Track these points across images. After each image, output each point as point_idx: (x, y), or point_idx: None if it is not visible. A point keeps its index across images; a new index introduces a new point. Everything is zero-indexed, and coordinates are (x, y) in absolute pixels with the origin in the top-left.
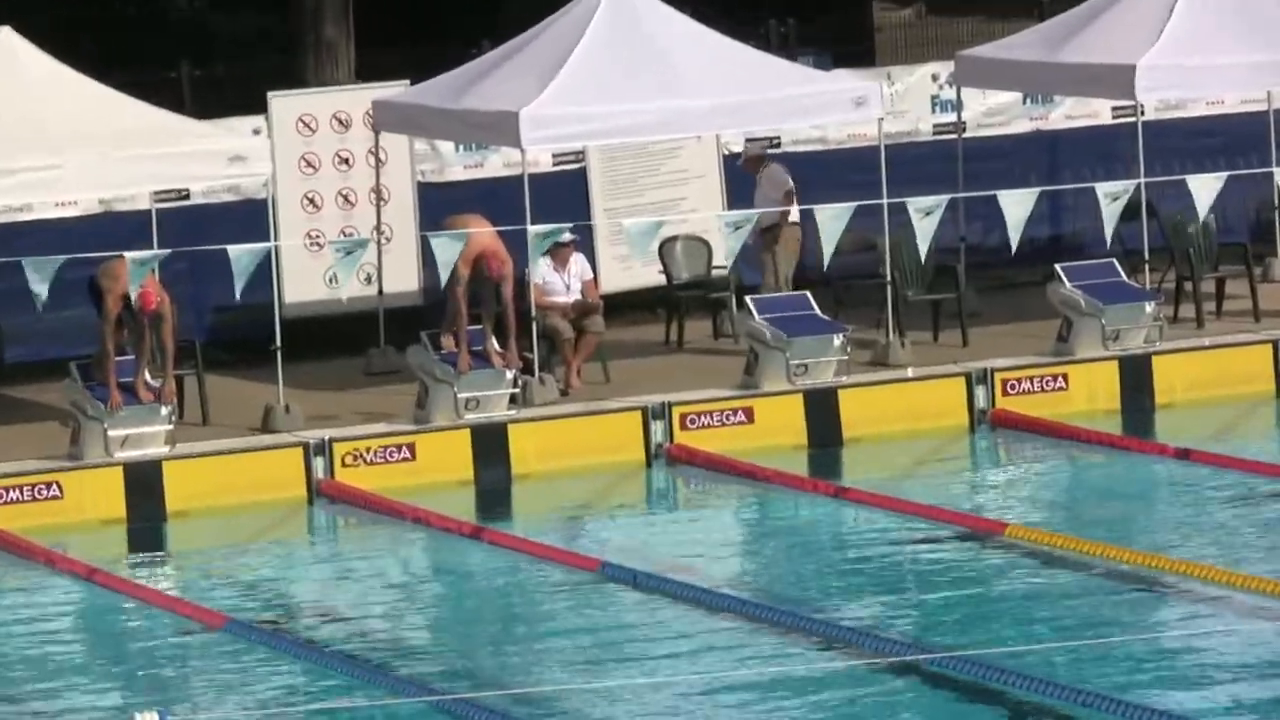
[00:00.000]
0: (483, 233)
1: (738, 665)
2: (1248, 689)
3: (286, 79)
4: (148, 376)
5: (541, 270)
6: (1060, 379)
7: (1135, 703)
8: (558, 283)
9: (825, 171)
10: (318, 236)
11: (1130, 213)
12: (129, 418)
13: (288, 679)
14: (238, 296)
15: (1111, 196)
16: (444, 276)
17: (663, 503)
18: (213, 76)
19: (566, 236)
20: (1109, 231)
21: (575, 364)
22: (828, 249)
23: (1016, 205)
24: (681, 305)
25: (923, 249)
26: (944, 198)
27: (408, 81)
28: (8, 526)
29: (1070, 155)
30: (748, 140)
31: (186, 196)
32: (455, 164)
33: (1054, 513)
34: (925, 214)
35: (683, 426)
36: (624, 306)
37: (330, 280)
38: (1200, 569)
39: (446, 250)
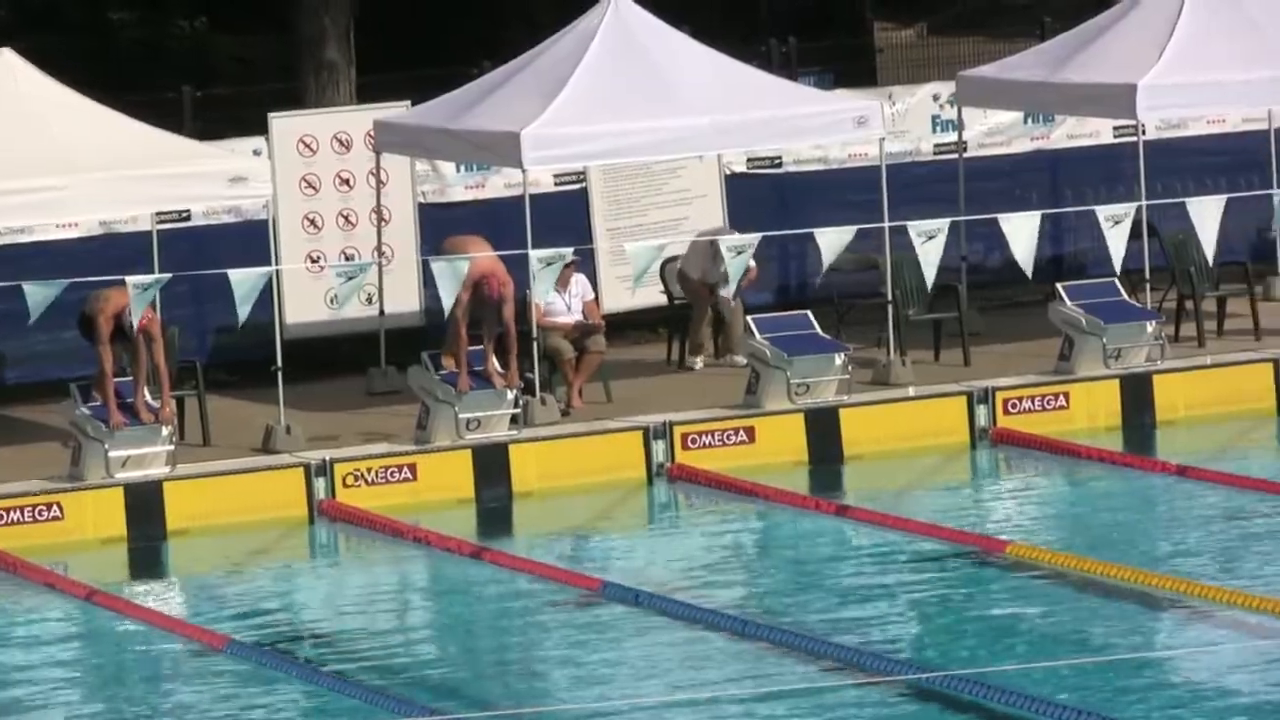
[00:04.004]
0: (482, 256)
1: (738, 685)
2: (1249, 708)
3: (287, 100)
4: (147, 396)
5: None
6: (1061, 398)
7: None
8: (559, 303)
9: (826, 191)
10: (319, 257)
11: (1132, 232)
12: (129, 438)
13: (288, 700)
14: (240, 324)
15: (1114, 219)
16: (446, 301)
17: (664, 522)
18: (214, 98)
19: (568, 257)
20: (1116, 254)
21: (577, 384)
22: (824, 266)
23: (1020, 231)
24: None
25: (928, 275)
26: (945, 221)
27: (409, 102)
28: (8, 547)
29: (1071, 175)
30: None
31: (188, 218)
32: (456, 184)
33: (1055, 531)
34: (928, 238)
35: (684, 446)
36: (625, 326)
37: (331, 301)
38: (1201, 588)
39: (447, 278)
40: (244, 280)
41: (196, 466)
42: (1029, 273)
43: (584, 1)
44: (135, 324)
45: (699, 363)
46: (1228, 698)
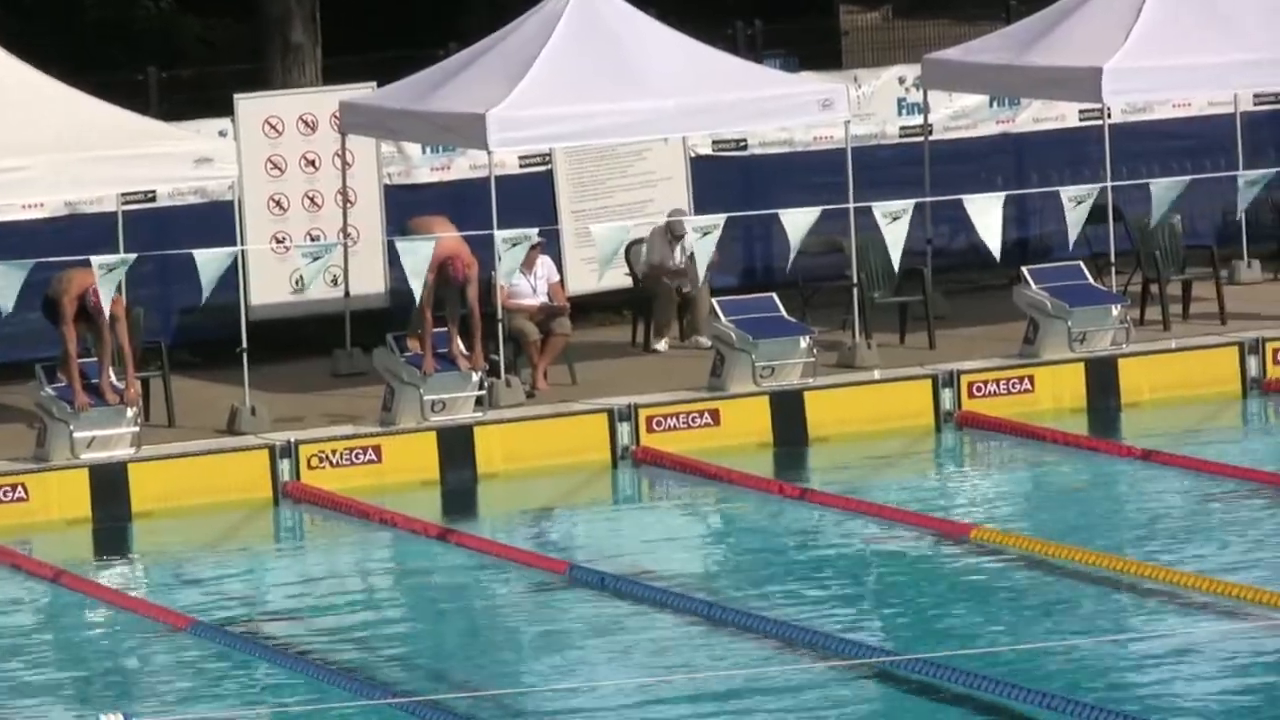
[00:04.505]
0: (447, 236)
1: (703, 667)
2: (1213, 689)
3: (253, 81)
4: (112, 378)
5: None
6: (1026, 381)
7: (1101, 705)
8: (524, 285)
9: (791, 174)
10: (284, 238)
11: (1097, 215)
12: (95, 419)
13: (253, 681)
14: (202, 301)
15: (1076, 200)
16: (414, 284)
17: (629, 504)
18: (179, 79)
19: (533, 238)
20: (1073, 234)
21: (542, 366)
22: (793, 250)
23: (984, 214)
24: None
25: (894, 255)
26: (910, 202)
27: (374, 84)
28: None
29: (1037, 158)
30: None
31: (153, 198)
32: (422, 166)
33: (1020, 514)
34: (893, 219)
35: (649, 428)
36: (590, 308)
37: (296, 282)
38: (1165, 572)
39: (412, 258)
40: (210, 261)
41: (162, 448)
42: (996, 254)
43: None
44: (106, 306)
45: (663, 345)
46: (1191, 680)
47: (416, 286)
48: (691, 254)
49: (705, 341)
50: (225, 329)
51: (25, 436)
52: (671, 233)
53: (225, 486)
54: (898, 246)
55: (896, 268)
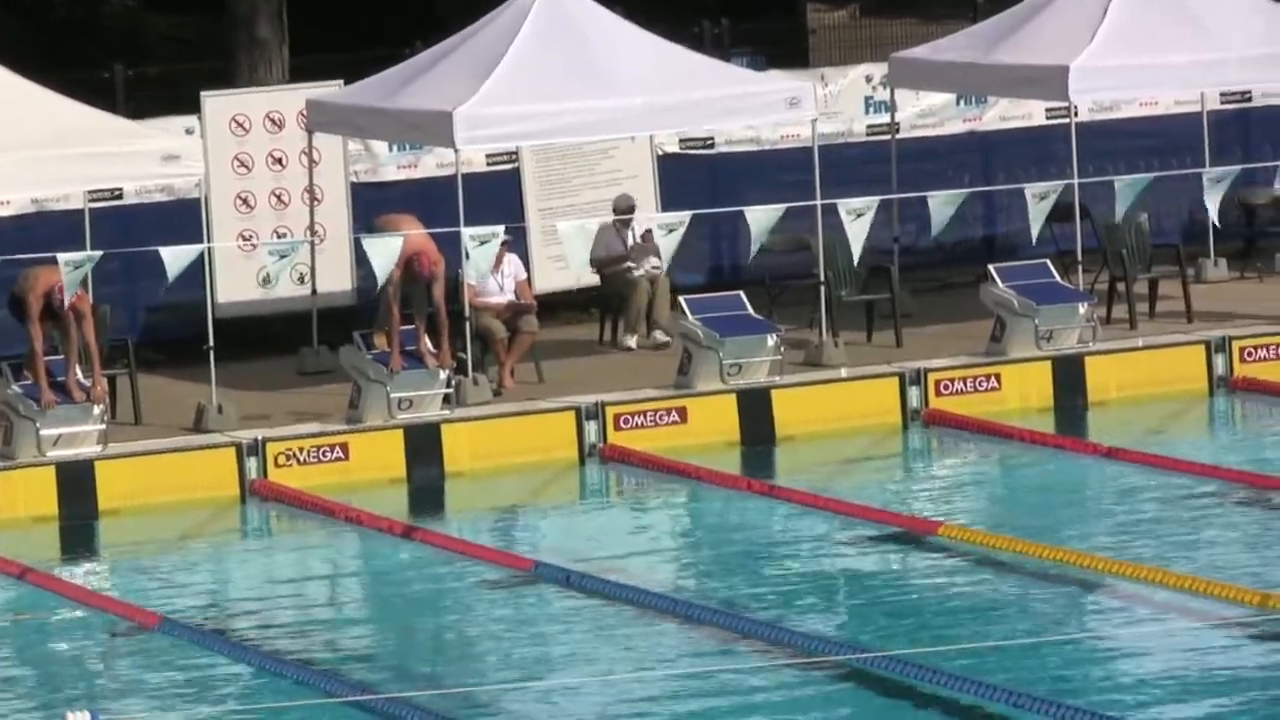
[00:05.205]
0: (414, 233)
1: (670, 665)
2: (1178, 687)
3: (220, 79)
4: (79, 375)
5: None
6: (993, 379)
7: (1069, 704)
8: (491, 283)
9: (759, 172)
10: (251, 236)
11: (1064, 214)
12: (61, 417)
13: (221, 679)
14: (164, 289)
15: (1040, 195)
16: (381, 280)
17: (596, 503)
18: (146, 76)
19: (502, 235)
20: (1035, 229)
21: (509, 364)
22: (755, 247)
23: (944, 204)
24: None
25: (855, 251)
26: (874, 199)
27: (341, 82)
28: None
29: (1004, 157)
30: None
31: (119, 196)
32: (389, 164)
33: (987, 512)
34: (856, 216)
35: (616, 426)
36: (557, 306)
37: (263, 280)
38: (1132, 568)
39: (379, 253)
40: (176, 258)
41: (128, 445)
42: (933, 232)
43: None
44: (67, 302)
45: (633, 341)
46: (1157, 676)
47: (396, 275)
48: (646, 232)
49: (663, 337)
50: (192, 327)
51: None
52: (617, 215)
53: (192, 484)
54: (859, 242)
55: (856, 261)
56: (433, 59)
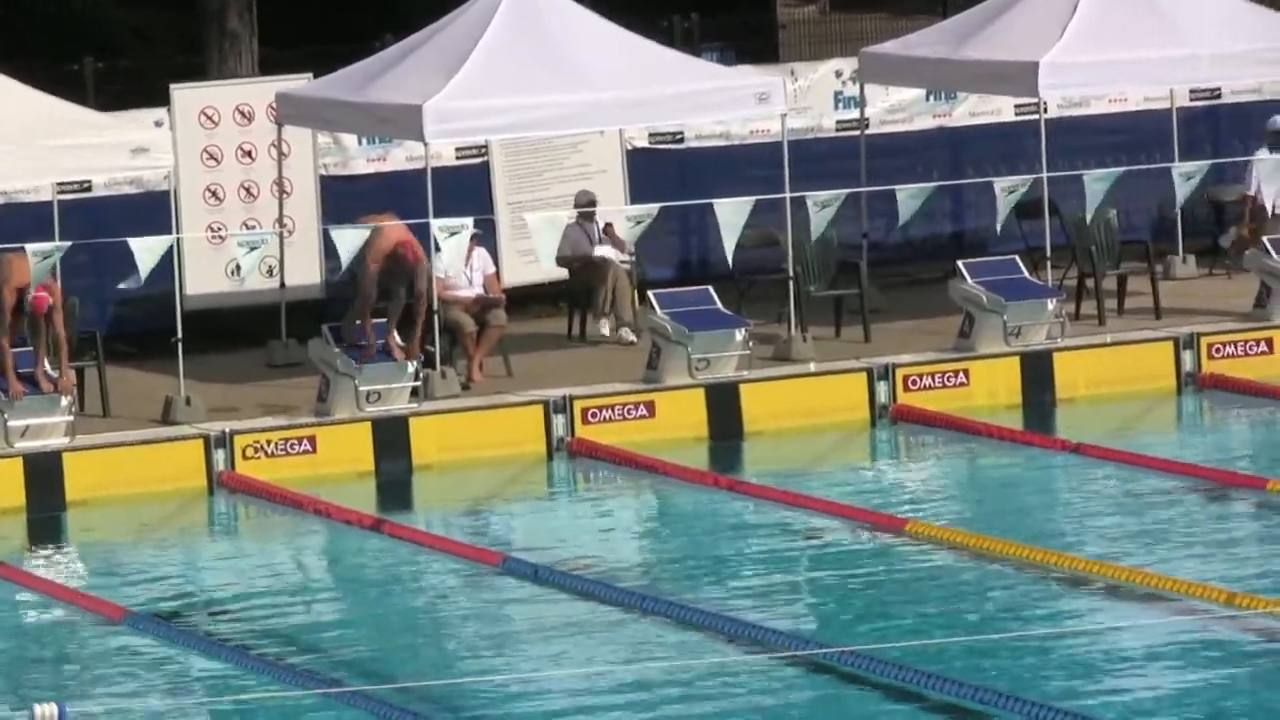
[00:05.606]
0: (393, 225)
1: (636, 660)
2: (1142, 682)
3: (190, 72)
4: (47, 367)
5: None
6: (962, 375)
7: (1034, 700)
8: (460, 276)
9: (728, 167)
10: (220, 229)
11: (1033, 210)
12: (29, 408)
13: (188, 671)
14: (142, 281)
15: (1008, 190)
16: (372, 269)
17: (564, 496)
18: (116, 69)
19: (470, 227)
20: (1000, 220)
21: (477, 357)
22: (729, 244)
23: (911, 197)
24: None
25: (814, 233)
26: (842, 192)
27: (311, 75)
28: None
29: (973, 152)
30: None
31: (89, 188)
32: (358, 157)
33: (954, 508)
34: (822, 207)
35: (584, 420)
36: (526, 300)
37: (232, 273)
38: (1098, 566)
39: (349, 243)
40: (146, 249)
41: (96, 437)
42: (900, 220)
43: None
44: (32, 292)
45: (605, 326)
46: (1123, 673)
47: (374, 270)
48: (607, 226)
49: (629, 335)
50: (160, 319)
51: None
52: (580, 211)
53: (160, 476)
54: (820, 229)
55: (814, 240)
56: (402, 52)
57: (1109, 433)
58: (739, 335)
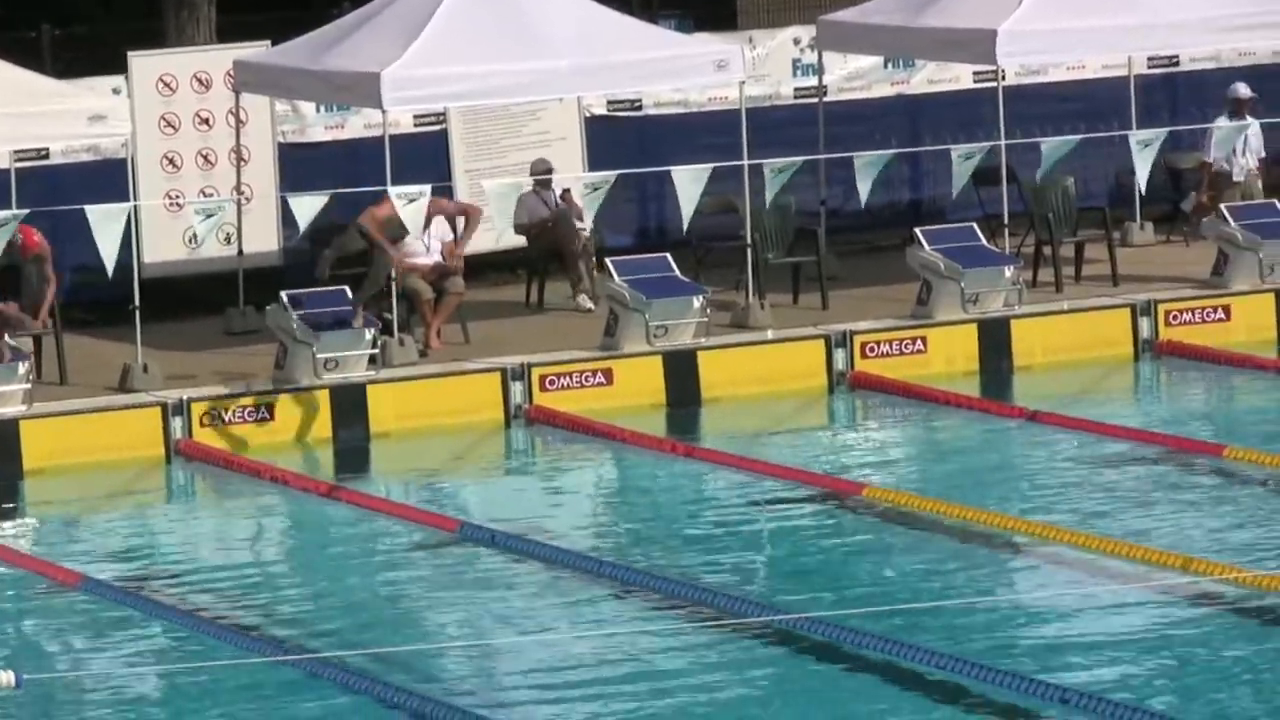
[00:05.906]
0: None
1: (595, 626)
2: (1100, 649)
3: (147, 39)
4: (8, 338)
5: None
6: (919, 342)
7: (993, 665)
8: (418, 244)
9: (686, 134)
10: (177, 196)
11: (990, 177)
12: None
13: (144, 638)
14: (80, 259)
15: (965, 156)
16: (413, 229)
17: (521, 464)
18: (73, 36)
19: (427, 194)
20: (957, 187)
21: (435, 325)
22: (686, 211)
23: (869, 164)
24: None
25: (768, 200)
26: (799, 159)
27: (269, 42)
28: None
29: (931, 120)
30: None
31: (46, 156)
32: (316, 125)
33: (911, 474)
34: (778, 171)
35: (542, 388)
36: (484, 268)
37: (190, 240)
38: (1054, 530)
39: (305, 210)
40: (103, 216)
41: (53, 405)
42: (863, 198)
43: None
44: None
45: (589, 301)
46: (1080, 638)
47: (416, 227)
48: (565, 192)
49: (587, 303)
50: (118, 287)
51: None
52: (536, 179)
53: (117, 444)
54: (774, 190)
55: (768, 201)
56: (360, 20)
57: (1066, 400)
58: (697, 302)
